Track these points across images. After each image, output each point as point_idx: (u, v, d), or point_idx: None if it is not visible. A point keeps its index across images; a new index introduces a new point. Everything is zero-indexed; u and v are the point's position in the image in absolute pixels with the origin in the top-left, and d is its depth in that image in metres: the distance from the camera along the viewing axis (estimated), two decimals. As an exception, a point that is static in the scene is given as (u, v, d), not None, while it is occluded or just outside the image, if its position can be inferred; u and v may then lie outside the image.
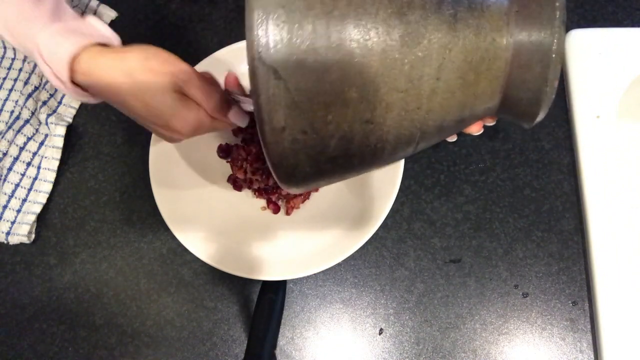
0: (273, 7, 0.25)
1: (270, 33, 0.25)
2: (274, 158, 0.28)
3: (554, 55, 0.28)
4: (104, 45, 0.38)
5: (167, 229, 0.48)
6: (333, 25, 0.25)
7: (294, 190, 0.34)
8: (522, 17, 0.28)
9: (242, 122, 0.41)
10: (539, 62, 0.28)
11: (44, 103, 0.56)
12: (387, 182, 0.48)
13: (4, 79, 0.59)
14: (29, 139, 0.55)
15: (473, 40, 0.28)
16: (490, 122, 0.38)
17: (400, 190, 0.48)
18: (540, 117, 0.31)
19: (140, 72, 0.35)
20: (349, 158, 0.29)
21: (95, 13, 0.61)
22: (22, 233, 0.52)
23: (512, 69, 0.29)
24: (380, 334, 0.49)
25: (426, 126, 0.29)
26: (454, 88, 0.28)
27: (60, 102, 0.57)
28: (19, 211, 0.53)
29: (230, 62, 0.54)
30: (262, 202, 0.51)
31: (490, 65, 0.29)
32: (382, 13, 0.26)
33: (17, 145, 0.54)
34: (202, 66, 0.53)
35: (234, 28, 0.60)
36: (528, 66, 0.29)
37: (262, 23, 0.25)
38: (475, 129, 0.37)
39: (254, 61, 0.25)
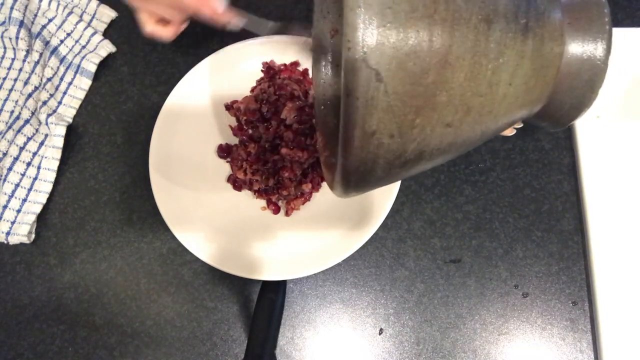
0: (378, 7, 0.24)
1: (376, 34, 0.24)
2: (353, 164, 0.28)
3: (602, 65, 0.30)
4: None
5: (167, 229, 0.48)
6: (434, 30, 0.25)
7: (349, 196, 0.34)
8: (574, 29, 0.30)
9: (220, 4, 0.43)
10: (587, 71, 0.31)
11: (44, 103, 0.56)
12: (387, 182, 0.48)
13: (4, 79, 0.59)
14: (29, 139, 0.55)
15: (539, 49, 0.29)
16: (519, 126, 0.40)
17: (400, 190, 0.49)
18: (577, 119, 0.34)
19: None
20: (418, 162, 0.30)
21: (95, 13, 0.61)
22: (22, 233, 0.52)
23: (561, 77, 0.31)
24: (380, 334, 0.49)
25: (488, 129, 0.31)
26: (518, 93, 0.30)
27: (60, 102, 0.57)
28: (19, 211, 0.53)
29: (230, 61, 0.54)
30: (262, 202, 0.51)
31: (546, 72, 0.30)
32: (475, 19, 0.26)
33: (17, 145, 0.54)
34: (202, 65, 0.53)
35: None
36: (577, 74, 0.31)
37: (368, 23, 0.24)
38: (509, 132, 0.42)
39: (357, 62, 0.24)
